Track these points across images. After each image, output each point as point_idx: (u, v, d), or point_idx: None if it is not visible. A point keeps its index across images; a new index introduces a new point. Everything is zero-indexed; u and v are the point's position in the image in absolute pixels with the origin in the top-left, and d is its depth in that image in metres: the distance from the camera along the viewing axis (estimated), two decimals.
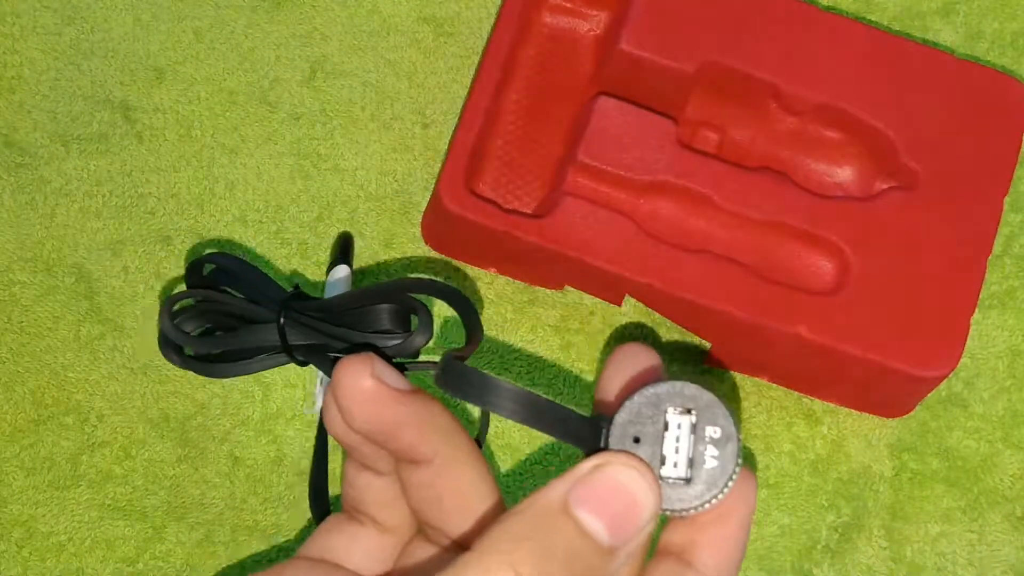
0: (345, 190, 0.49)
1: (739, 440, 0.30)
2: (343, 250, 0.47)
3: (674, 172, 0.45)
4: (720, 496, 0.30)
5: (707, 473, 0.30)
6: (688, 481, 0.30)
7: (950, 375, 0.44)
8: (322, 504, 0.43)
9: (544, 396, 0.31)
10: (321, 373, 0.45)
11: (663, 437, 0.30)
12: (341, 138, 0.49)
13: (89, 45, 0.49)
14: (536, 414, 0.30)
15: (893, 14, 0.51)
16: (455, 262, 0.48)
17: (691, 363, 0.48)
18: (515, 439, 0.47)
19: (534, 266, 0.47)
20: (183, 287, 0.45)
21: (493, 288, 0.48)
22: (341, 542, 0.35)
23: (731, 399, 0.48)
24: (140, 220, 0.48)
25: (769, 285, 0.44)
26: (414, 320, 0.40)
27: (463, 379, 0.31)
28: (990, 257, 0.45)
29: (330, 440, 0.43)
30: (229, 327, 0.42)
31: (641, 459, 0.30)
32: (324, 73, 0.49)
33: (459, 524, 0.33)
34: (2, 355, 0.47)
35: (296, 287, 0.42)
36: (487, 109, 0.46)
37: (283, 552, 0.46)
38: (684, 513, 0.30)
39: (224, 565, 0.46)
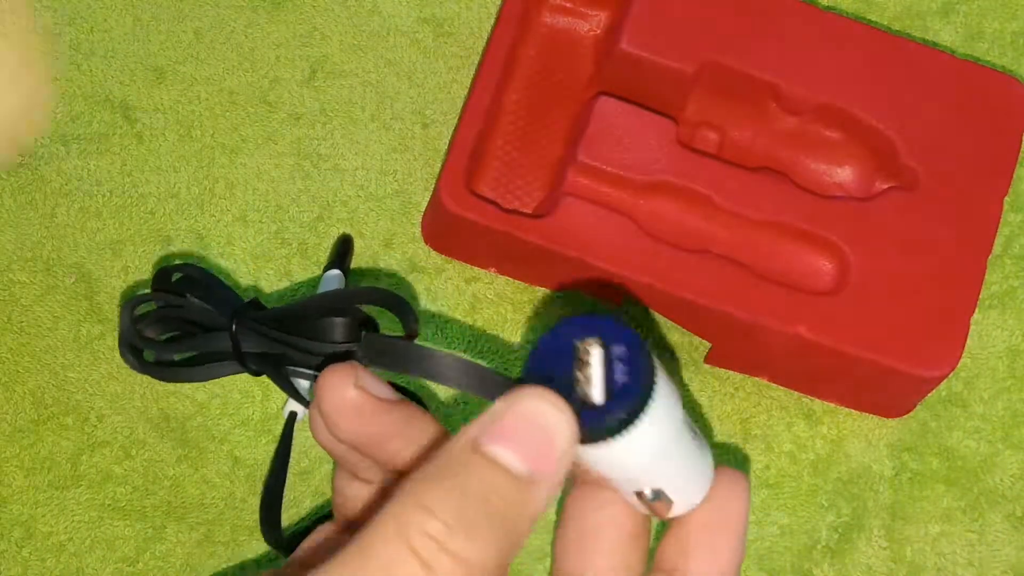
0: (345, 190, 0.49)
1: (648, 354, 0.29)
2: (340, 253, 0.47)
3: (674, 172, 0.45)
4: (645, 417, 0.29)
5: (624, 391, 0.29)
6: (608, 407, 0.29)
7: (950, 375, 0.44)
8: (275, 530, 0.43)
9: (472, 360, 0.30)
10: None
11: (573, 368, 0.29)
12: (341, 138, 0.49)
13: (89, 45, 0.49)
14: (461, 374, 0.30)
15: (893, 14, 0.51)
16: (455, 262, 0.48)
17: (691, 363, 0.48)
18: None
19: (534, 266, 0.47)
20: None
21: (493, 288, 0.48)
22: (330, 551, 0.35)
23: (732, 399, 0.48)
24: (140, 220, 0.48)
25: (769, 285, 0.44)
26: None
27: (385, 349, 0.31)
28: (990, 257, 0.45)
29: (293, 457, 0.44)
30: (189, 334, 0.42)
31: (549, 389, 0.29)
32: (324, 73, 0.49)
33: None
34: (2, 355, 0.47)
35: (255, 299, 0.43)
36: (487, 109, 0.46)
37: None
38: (614, 442, 0.29)
39: (224, 565, 0.46)
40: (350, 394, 0.32)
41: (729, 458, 0.47)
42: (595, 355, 0.29)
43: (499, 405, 0.29)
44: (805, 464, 0.47)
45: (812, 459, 0.47)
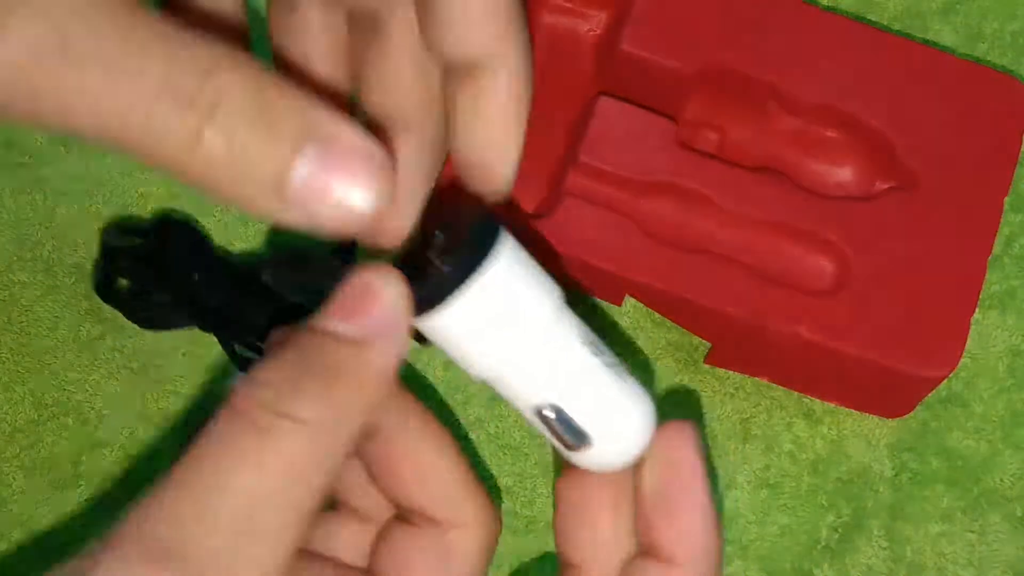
0: None
1: (491, 226, 0.29)
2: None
3: (674, 172, 0.45)
4: (478, 277, 0.29)
5: (458, 255, 0.29)
6: (443, 269, 0.29)
7: (950, 375, 0.44)
8: None
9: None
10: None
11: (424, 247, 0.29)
12: None
13: None
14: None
15: (893, 14, 0.51)
16: None
17: (691, 363, 0.48)
18: (515, 439, 0.47)
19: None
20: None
21: None
22: (319, 532, 0.35)
23: (732, 399, 0.48)
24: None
25: (769, 285, 0.44)
26: None
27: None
28: (990, 257, 0.45)
29: None
30: (158, 277, 0.44)
31: (378, 264, 0.29)
32: None
33: (425, 496, 0.32)
34: (2, 355, 0.47)
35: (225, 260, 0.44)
36: None
37: None
38: (452, 304, 0.29)
39: None
40: None
41: (729, 458, 0.47)
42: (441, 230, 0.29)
43: (336, 293, 0.29)
44: (805, 464, 0.47)
45: (812, 459, 0.47)
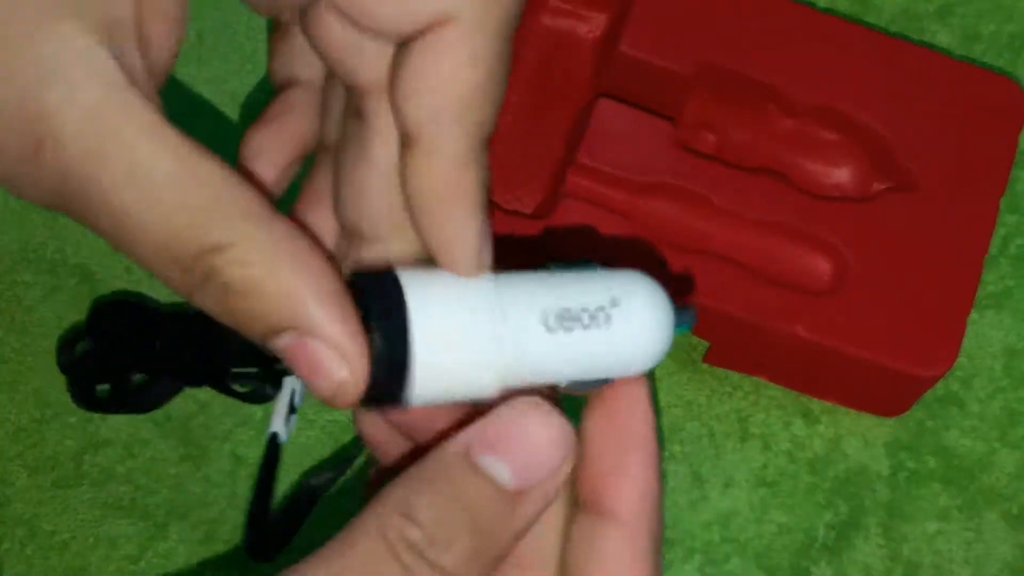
0: None
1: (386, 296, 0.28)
2: None
3: (673, 174, 0.45)
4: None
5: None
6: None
7: (947, 374, 0.45)
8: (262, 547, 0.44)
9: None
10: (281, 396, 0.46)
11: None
12: None
13: None
14: None
15: (890, 16, 0.51)
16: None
17: (690, 362, 0.48)
18: None
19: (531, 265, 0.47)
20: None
21: None
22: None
23: (730, 398, 0.48)
24: None
25: (767, 285, 0.44)
26: None
27: None
28: (986, 257, 0.45)
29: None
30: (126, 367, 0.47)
31: (545, 401, 0.28)
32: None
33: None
34: (6, 355, 0.47)
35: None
36: None
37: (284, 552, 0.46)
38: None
39: (226, 563, 0.46)
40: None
41: (727, 457, 0.47)
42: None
43: (494, 413, 0.29)
44: (803, 463, 0.47)
45: (810, 458, 0.47)
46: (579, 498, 0.31)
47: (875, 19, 0.51)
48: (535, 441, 0.28)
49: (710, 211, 0.46)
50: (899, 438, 0.48)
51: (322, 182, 0.33)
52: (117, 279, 0.48)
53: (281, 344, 0.27)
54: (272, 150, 0.34)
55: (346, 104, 0.32)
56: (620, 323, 0.30)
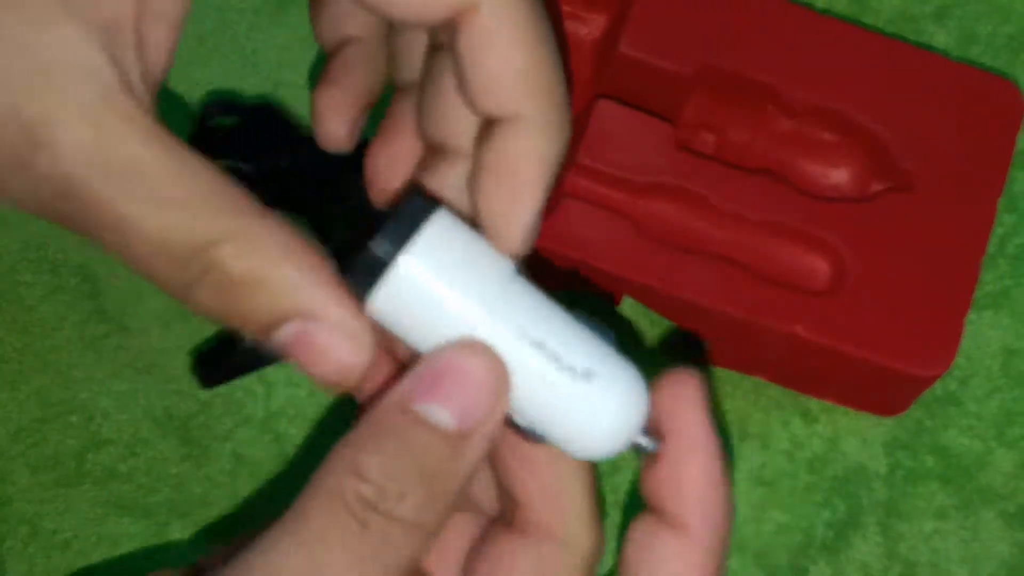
0: None
1: (418, 204, 0.29)
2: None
3: (673, 174, 0.45)
4: (402, 256, 0.28)
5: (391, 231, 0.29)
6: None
7: (944, 374, 0.45)
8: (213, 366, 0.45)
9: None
10: None
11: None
12: None
13: None
14: None
15: (888, 17, 0.51)
16: None
17: (689, 362, 0.48)
18: None
19: (533, 267, 0.47)
20: None
21: None
22: None
23: (729, 397, 0.48)
24: None
25: (766, 285, 0.45)
26: None
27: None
28: (984, 257, 0.45)
29: None
30: None
31: (480, 342, 0.29)
32: None
33: (543, 495, 0.31)
34: (8, 354, 0.47)
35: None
36: None
37: None
38: (384, 283, 0.28)
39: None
40: None
41: (727, 456, 0.47)
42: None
43: (427, 360, 0.29)
44: (801, 462, 0.47)
45: (808, 457, 0.47)
46: (649, 502, 0.30)
47: (873, 20, 0.51)
48: (471, 381, 0.29)
49: (709, 211, 0.46)
50: (897, 437, 0.48)
51: (398, 119, 0.34)
52: (118, 279, 0.48)
53: (283, 335, 0.28)
54: (342, 105, 0.36)
55: (415, 46, 0.33)
56: (579, 393, 0.29)
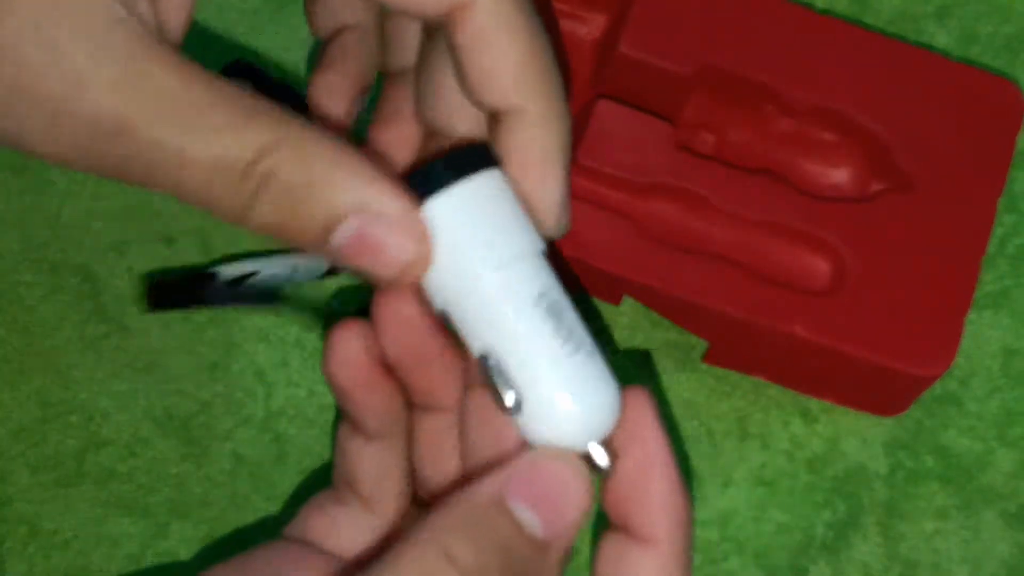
0: None
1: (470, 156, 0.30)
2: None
3: (672, 174, 0.45)
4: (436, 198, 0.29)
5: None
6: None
7: (944, 374, 0.45)
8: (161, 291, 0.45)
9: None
10: None
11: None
12: None
13: None
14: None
15: (888, 17, 0.51)
16: None
17: (689, 362, 0.48)
18: None
19: None
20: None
21: None
22: (323, 522, 0.35)
23: (729, 397, 0.48)
24: (145, 221, 0.48)
25: (766, 285, 0.45)
26: None
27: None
28: (984, 257, 0.45)
29: None
30: None
31: (574, 455, 0.29)
32: None
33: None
34: (8, 354, 0.47)
35: None
36: None
37: None
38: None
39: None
40: (409, 308, 0.32)
41: (726, 456, 0.47)
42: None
43: (525, 459, 0.30)
44: (801, 462, 0.47)
45: (808, 457, 0.47)
46: (613, 518, 0.31)
47: (873, 20, 0.51)
48: (564, 494, 0.29)
49: (709, 211, 0.46)
50: (897, 437, 0.48)
51: (395, 104, 0.35)
52: (118, 279, 0.48)
53: (342, 236, 0.28)
54: (339, 89, 0.37)
55: (408, 33, 0.35)
56: (572, 368, 0.30)
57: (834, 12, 0.51)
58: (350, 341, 0.33)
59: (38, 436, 0.47)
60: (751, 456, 0.47)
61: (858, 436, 0.48)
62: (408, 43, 0.35)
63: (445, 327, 0.32)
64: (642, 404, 0.31)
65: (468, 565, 0.28)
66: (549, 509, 0.29)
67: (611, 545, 0.31)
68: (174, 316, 0.48)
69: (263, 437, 0.47)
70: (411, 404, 0.34)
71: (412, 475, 0.35)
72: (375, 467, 0.34)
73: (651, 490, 0.30)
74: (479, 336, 0.30)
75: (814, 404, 0.48)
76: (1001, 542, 0.47)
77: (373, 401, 0.33)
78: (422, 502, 0.36)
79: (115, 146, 0.28)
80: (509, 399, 0.30)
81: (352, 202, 0.28)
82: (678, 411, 0.47)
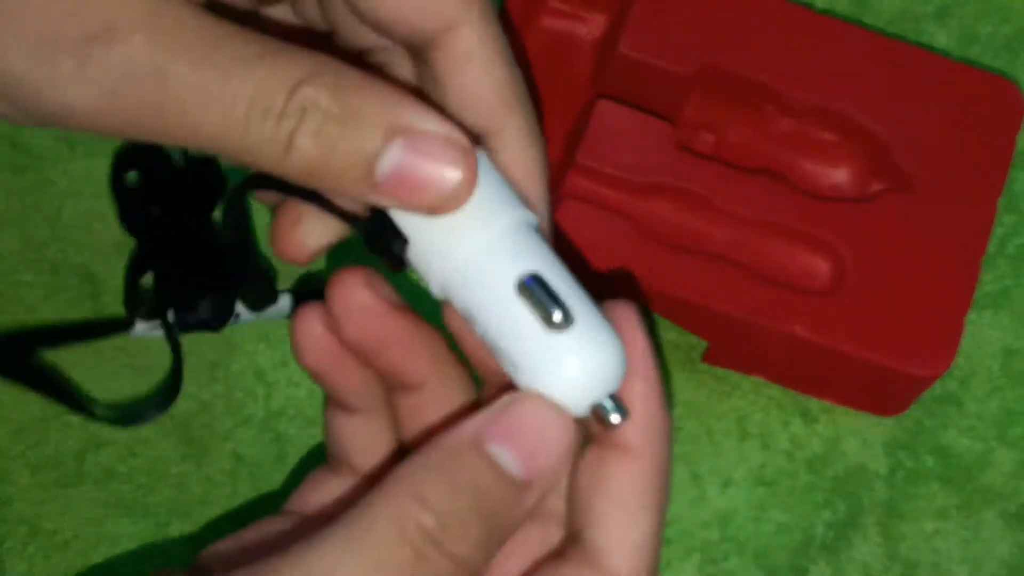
0: None
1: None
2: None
3: (672, 174, 0.45)
4: None
5: None
6: None
7: (945, 374, 0.45)
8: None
9: None
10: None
11: None
12: None
13: None
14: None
15: (888, 17, 0.51)
16: None
17: (689, 362, 0.48)
18: None
19: None
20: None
21: None
22: (321, 495, 0.35)
23: (729, 397, 0.48)
24: None
25: (766, 285, 0.45)
26: None
27: None
28: (984, 257, 0.45)
29: None
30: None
31: (548, 396, 0.29)
32: None
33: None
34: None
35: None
36: None
37: None
38: None
39: None
40: (361, 295, 0.32)
41: (726, 456, 0.47)
42: None
43: (502, 402, 0.29)
44: (801, 462, 0.47)
45: (808, 457, 0.47)
46: (587, 428, 0.31)
47: (873, 20, 0.51)
48: (543, 434, 0.29)
49: (709, 211, 0.46)
50: (897, 437, 0.48)
51: None
52: (118, 279, 0.48)
53: (388, 165, 0.28)
54: None
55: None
56: (556, 338, 0.30)
57: (834, 12, 0.51)
58: (312, 325, 0.32)
59: (38, 436, 0.47)
60: (751, 456, 0.47)
61: (858, 436, 0.48)
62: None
63: (403, 309, 0.32)
64: (628, 317, 0.31)
65: (441, 506, 0.28)
66: (528, 448, 0.29)
67: (589, 456, 0.31)
68: None
69: (263, 437, 0.47)
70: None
71: (400, 446, 0.35)
72: (362, 438, 0.34)
73: (632, 400, 0.30)
74: (475, 315, 0.30)
75: (814, 404, 0.48)
76: (1001, 542, 0.47)
77: (346, 380, 0.33)
78: None
79: (148, 89, 0.27)
80: (512, 371, 0.30)
81: (397, 124, 0.28)
82: (678, 411, 0.47)
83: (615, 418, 0.30)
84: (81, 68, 0.27)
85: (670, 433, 0.31)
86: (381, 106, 0.28)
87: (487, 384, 0.34)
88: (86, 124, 0.28)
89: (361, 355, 0.33)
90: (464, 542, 0.28)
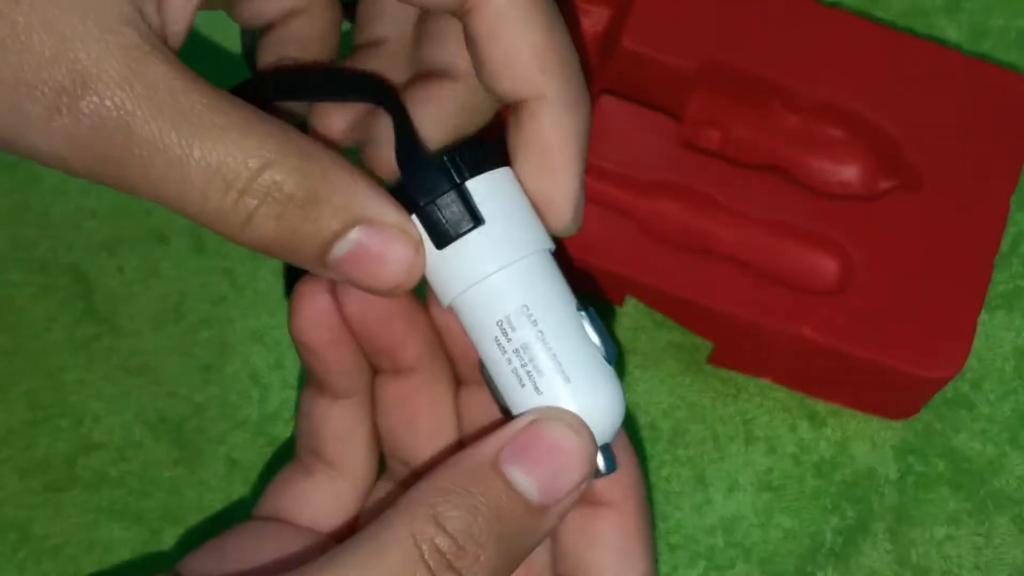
0: None
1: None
2: None
3: (677, 171, 0.45)
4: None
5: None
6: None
7: (956, 376, 0.44)
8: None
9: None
10: None
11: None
12: None
13: None
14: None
15: (898, 11, 0.51)
16: None
17: (694, 364, 0.48)
18: None
19: None
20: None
21: None
22: (292, 497, 0.35)
23: (734, 400, 0.47)
24: (136, 219, 0.48)
25: (772, 285, 0.44)
26: None
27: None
28: (997, 256, 0.45)
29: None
30: None
31: (577, 417, 0.29)
32: None
33: (428, 456, 0.33)
34: None
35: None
36: None
37: None
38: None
39: None
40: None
41: (732, 460, 0.47)
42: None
43: (524, 422, 0.29)
44: (809, 466, 0.47)
45: (816, 461, 0.47)
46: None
47: (883, 14, 0.51)
48: (563, 458, 0.29)
49: (714, 209, 0.45)
50: (907, 441, 0.47)
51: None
52: (109, 279, 0.48)
53: (342, 250, 0.29)
54: (339, 110, 0.37)
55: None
56: (545, 392, 0.30)
57: (843, 5, 0.51)
58: (316, 297, 0.33)
59: (28, 439, 0.47)
60: (757, 460, 0.47)
61: (867, 440, 0.47)
62: (382, 15, 0.36)
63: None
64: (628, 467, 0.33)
65: (458, 528, 0.28)
66: (547, 473, 0.29)
67: (574, 513, 0.32)
68: (166, 317, 0.47)
69: (258, 440, 0.47)
70: (375, 370, 0.34)
71: (378, 439, 0.35)
72: (342, 427, 0.35)
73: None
74: (477, 342, 0.31)
75: (822, 407, 0.47)
76: (1014, 548, 0.46)
77: (340, 360, 0.34)
78: (392, 471, 0.36)
79: (114, 144, 0.28)
80: (506, 404, 0.31)
81: (352, 217, 0.29)
82: (682, 414, 0.47)
83: (605, 468, 0.30)
84: (50, 118, 0.28)
85: (642, 479, 0.33)
86: (343, 195, 0.29)
87: (465, 382, 0.34)
88: (53, 167, 0.29)
89: (362, 331, 0.33)
90: (480, 566, 0.28)
